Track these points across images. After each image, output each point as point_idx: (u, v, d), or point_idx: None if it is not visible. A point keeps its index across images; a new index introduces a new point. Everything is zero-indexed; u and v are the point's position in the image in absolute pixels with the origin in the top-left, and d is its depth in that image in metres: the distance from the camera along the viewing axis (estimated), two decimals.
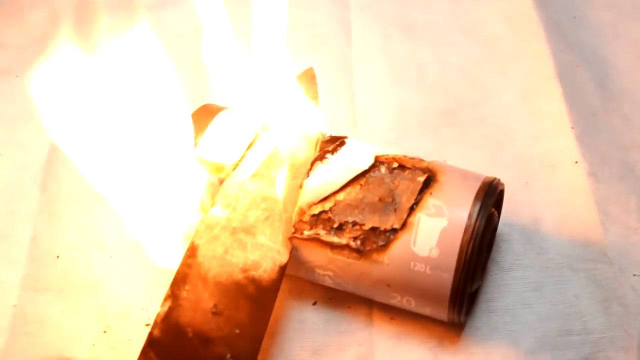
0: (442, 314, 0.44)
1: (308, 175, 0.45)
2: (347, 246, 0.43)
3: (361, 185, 0.44)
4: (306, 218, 0.44)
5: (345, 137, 0.47)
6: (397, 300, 0.45)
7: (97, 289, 0.49)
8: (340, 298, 0.48)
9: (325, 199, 0.44)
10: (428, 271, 0.43)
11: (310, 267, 0.45)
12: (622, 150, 0.55)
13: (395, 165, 0.45)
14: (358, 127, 0.58)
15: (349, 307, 0.48)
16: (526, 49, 0.62)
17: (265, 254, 0.42)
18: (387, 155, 0.45)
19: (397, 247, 0.43)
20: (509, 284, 0.49)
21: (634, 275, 0.49)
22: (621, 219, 0.51)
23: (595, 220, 0.51)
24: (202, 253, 0.42)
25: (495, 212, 0.47)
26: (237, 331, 0.41)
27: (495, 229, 0.49)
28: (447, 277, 0.42)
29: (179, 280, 0.41)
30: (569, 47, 0.62)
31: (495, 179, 0.46)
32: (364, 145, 0.46)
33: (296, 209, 0.44)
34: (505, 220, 0.51)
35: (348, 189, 0.44)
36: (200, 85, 0.61)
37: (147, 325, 0.47)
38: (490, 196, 0.44)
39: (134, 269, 0.50)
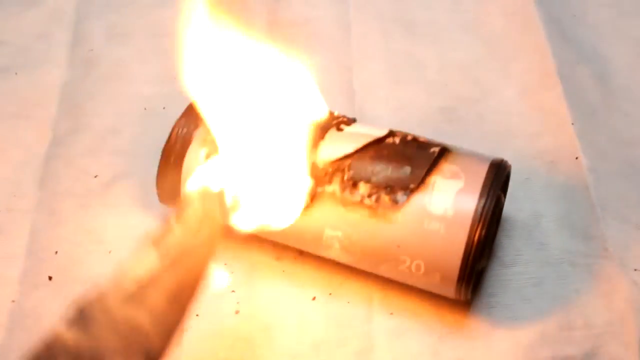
0: (451, 283, 0.43)
1: (323, 138, 0.45)
2: (361, 203, 0.43)
3: (376, 150, 0.45)
4: (321, 174, 0.44)
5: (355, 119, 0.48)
6: (405, 265, 0.44)
7: (95, 285, 0.49)
8: (339, 293, 0.48)
9: (341, 159, 0.44)
10: (442, 230, 0.42)
11: (320, 227, 0.45)
12: (622, 146, 0.55)
13: (410, 138, 0.46)
14: None
15: (348, 302, 0.48)
16: (526, 46, 0.62)
17: None
18: (401, 131, 0.46)
19: (412, 205, 0.43)
20: (509, 279, 0.49)
21: (635, 270, 0.49)
22: (622, 214, 0.51)
23: (596, 215, 0.51)
24: None
25: (503, 195, 0.47)
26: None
27: (501, 212, 0.49)
28: (461, 237, 0.42)
29: None
30: (569, 44, 0.62)
31: (503, 159, 0.46)
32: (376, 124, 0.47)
33: (310, 166, 0.44)
34: (506, 215, 0.51)
35: (363, 152, 0.45)
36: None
37: None
38: (502, 171, 0.45)
39: None
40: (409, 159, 0.44)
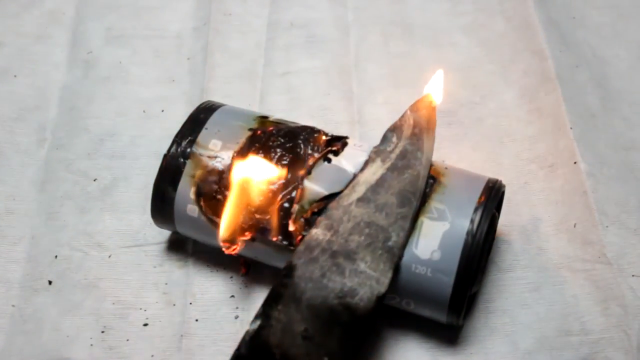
0: (442, 316, 0.44)
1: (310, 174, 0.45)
2: None
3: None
4: (307, 215, 0.44)
5: (347, 138, 0.48)
6: (396, 301, 0.45)
7: (95, 289, 0.49)
8: None
9: (326, 198, 0.44)
10: (429, 274, 0.43)
11: None
12: (621, 151, 0.55)
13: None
14: (357, 127, 0.58)
15: None
16: (525, 49, 0.62)
17: (363, 281, 0.41)
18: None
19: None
20: (507, 284, 0.49)
21: (633, 275, 0.49)
22: (620, 220, 0.51)
23: (594, 220, 0.51)
24: (299, 274, 0.40)
25: (496, 214, 0.47)
26: (326, 359, 0.39)
27: (495, 230, 0.49)
28: (447, 280, 0.42)
29: (272, 299, 0.40)
30: (568, 47, 0.62)
31: (497, 181, 0.46)
32: (363, 147, 0.47)
33: (298, 208, 0.44)
34: (504, 220, 0.51)
35: (342, 201, 0.44)
36: (199, 84, 0.61)
37: (145, 325, 0.47)
38: (493, 200, 0.44)
39: (132, 269, 0.50)
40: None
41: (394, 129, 0.46)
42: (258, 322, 0.39)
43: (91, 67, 0.62)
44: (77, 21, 0.66)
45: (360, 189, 0.43)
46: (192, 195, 0.46)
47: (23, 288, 0.50)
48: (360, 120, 0.59)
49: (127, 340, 0.47)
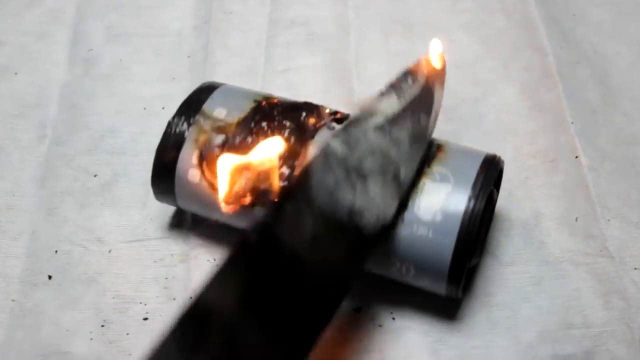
0: (441, 284, 0.44)
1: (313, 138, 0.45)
2: None
3: None
4: None
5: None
6: (395, 268, 0.44)
7: (95, 283, 0.49)
8: None
9: None
10: (430, 235, 0.42)
11: None
12: (622, 145, 0.55)
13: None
14: None
15: (348, 301, 0.48)
16: (526, 46, 0.62)
17: (371, 205, 0.40)
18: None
19: (400, 210, 0.43)
20: (509, 278, 0.49)
21: (635, 269, 0.48)
22: (622, 213, 0.51)
23: (596, 214, 0.51)
24: (314, 177, 0.40)
25: (495, 191, 0.47)
26: (328, 265, 0.39)
27: (494, 208, 0.49)
28: (449, 241, 0.42)
29: (287, 193, 0.40)
30: (569, 43, 0.62)
31: (496, 155, 0.46)
32: None
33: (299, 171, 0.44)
34: (505, 214, 0.51)
35: None
36: (200, 82, 0.60)
37: (145, 319, 0.47)
38: (493, 169, 0.44)
39: (132, 264, 0.50)
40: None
41: (409, 72, 0.46)
42: (268, 214, 0.39)
43: (92, 65, 0.62)
44: (77, 19, 0.66)
45: (378, 119, 0.43)
46: (194, 160, 0.46)
47: (23, 283, 0.49)
48: None
49: (127, 334, 0.47)
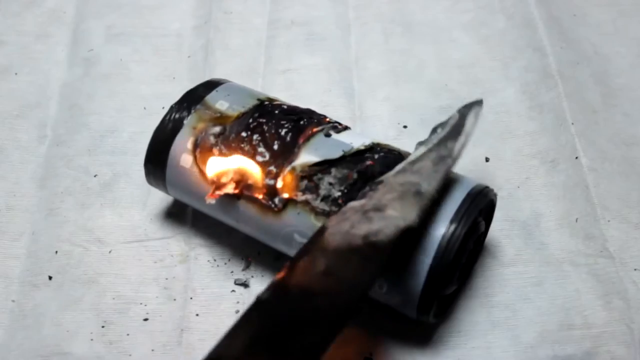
0: (412, 307, 0.43)
1: (308, 141, 0.45)
2: (330, 213, 0.43)
3: (353, 163, 0.44)
4: (296, 180, 0.44)
5: (349, 128, 0.48)
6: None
7: (95, 284, 0.49)
8: None
9: (317, 167, 0.44)
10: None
11: (290, 232, 0.45)
12: (622, 146, 0.55)
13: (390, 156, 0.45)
14: (359, 123, 0.58)
15: None
16: (526, 46, 0.62)
17: (389, 222, 0.40)
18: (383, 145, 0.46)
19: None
20: (509, 278, 0.49)
21: (635, 269, 0.48)
22: (622, 214, 0.51)
23: (596, 215, 0.51)
24: (330, 231, 0.40)
25: (482, 221, 0.46)
26: (341, 284, 0.38)
27: (483, 240, 0.49)
28: (424, 265, 0.41)
29: (301, 253, 0.40)
30: (569, 44, 0.62)
31: (487, 186, 0.45)
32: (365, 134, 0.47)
33: (288, 169, 0.44)
34: (505, 215, 0.51)
35: (340, 164, 0.44)
36: (200, 82, 0.60)
37: (146, 320, 0.47)
38: (481, 198, 0.43)
39: (132, 264, 0.50)
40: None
41: (440, 124, 0.47)
42: (282, 273, 0.38)
43: (92, 65, 0.62)
44: (77, 20, 0.66)
45: (398, 167, 0.44)
46: (189, 145, 0.47)
47: (23, 283, 0.49)
48: (362, 116, 0.59)
49: (128, 334, 0.47)
